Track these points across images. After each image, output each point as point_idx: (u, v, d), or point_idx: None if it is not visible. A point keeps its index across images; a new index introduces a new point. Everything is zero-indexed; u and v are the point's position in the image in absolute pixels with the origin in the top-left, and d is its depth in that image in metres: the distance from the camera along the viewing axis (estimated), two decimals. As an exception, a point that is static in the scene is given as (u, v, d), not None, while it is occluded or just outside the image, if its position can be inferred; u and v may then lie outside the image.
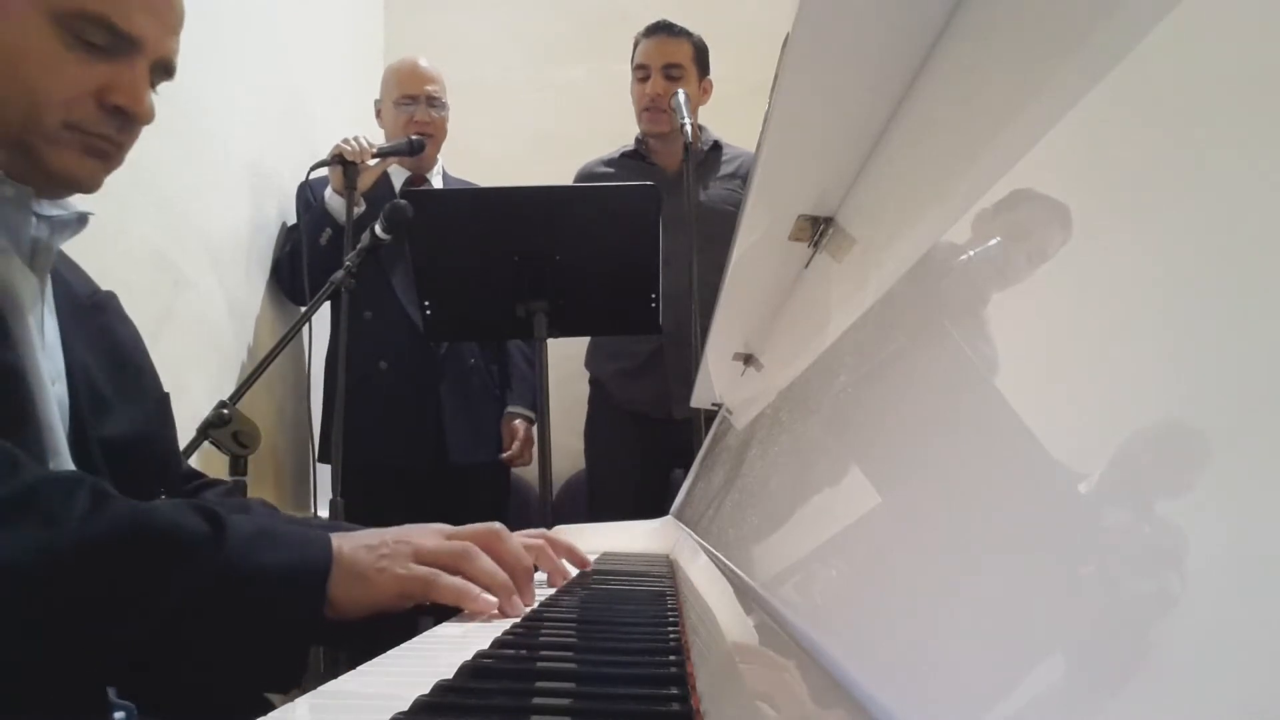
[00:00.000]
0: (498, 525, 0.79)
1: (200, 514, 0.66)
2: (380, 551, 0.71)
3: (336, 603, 0.68)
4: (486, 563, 0.74)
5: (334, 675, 0.53)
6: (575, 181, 2.51)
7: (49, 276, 0.82)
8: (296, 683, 0.66)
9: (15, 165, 0.78)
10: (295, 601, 0.66)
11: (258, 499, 1.09)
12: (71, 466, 0.77)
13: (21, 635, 0.60)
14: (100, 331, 0.88)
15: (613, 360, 2.48)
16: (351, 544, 0.70)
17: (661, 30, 2.38)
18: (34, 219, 0.80)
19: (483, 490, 2.40)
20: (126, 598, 0.62)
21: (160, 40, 0.82)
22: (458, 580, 0.71)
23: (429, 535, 0.74)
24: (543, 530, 0.97)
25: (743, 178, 2.42)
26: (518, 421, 2.46)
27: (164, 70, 0.84)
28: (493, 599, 0.71)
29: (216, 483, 1.05)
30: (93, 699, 0.72)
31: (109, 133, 0.81)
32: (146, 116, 0.82)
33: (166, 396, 0.95)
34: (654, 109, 2.36)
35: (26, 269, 0.79)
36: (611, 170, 2.48)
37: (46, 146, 0.78)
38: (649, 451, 2.43)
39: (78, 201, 0.85)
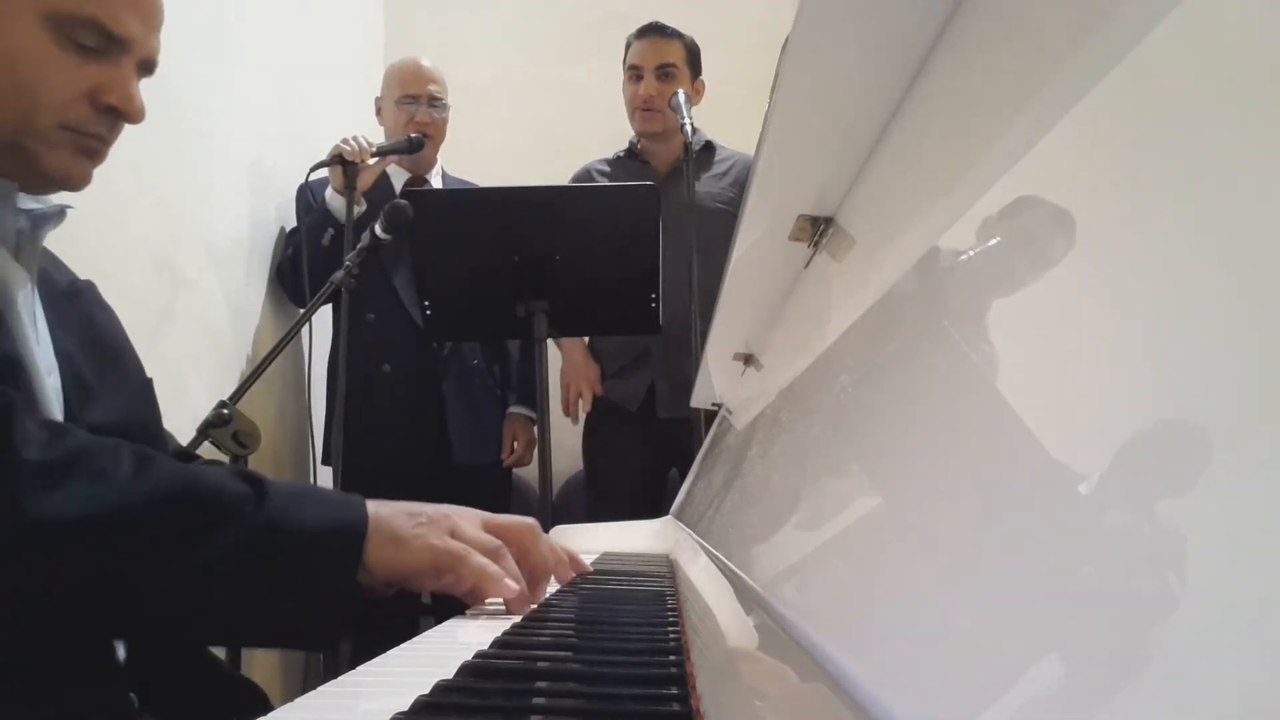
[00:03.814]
0: (532, 521, 0.82)
1: (241, 476, 0.69)
2: (419, 520, 0.73)
3: (371, 564, 0.70)
4: (512, 564, 0.76)
5: (334, 675, 0.53)
6: (572, 182, 2.51)
7: (36, 269, 0.83)
8: (335, 642, 0.68)
9: (6, 165, 0.79)
10: (333, 558, 0.68)
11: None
12: None
13: (72, 588, 0.63)
14: (81, 320, 0.89)
15: (603, 361, 2.48)
16: (391, 509, 0.73)
17: (653, 31, 2.41)
18: (16, 213, 0.80)
19: (485, 491, 2.40)
20: (172, 552, 0.64)
21: (145, 40, 0.83)
22: (486, 561, 0.73)
23: (468, 520, 0.77)
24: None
25: (734, 179, 2.43)
26: (519, 423, 2.47)
27: (146, 68, 0.85)
28: (514, 586, 0.74)
29: (213, 464, 1.05)
30: (112, 687, 0.73)
31: (101, 132, 0.82)
32: (138, 115, 0.83)
33: (149, 381, 0.96)
34: (647, 109, 2.38)
35: (15, 263, 0.80)
36: (607, 170, 2.51)
37: (41, 147, 0.79)
38: (644, 452, 2.44)
39: (56, 195, 0.86)
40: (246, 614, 0.67)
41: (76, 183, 0.83)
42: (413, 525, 0.72)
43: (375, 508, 0.72)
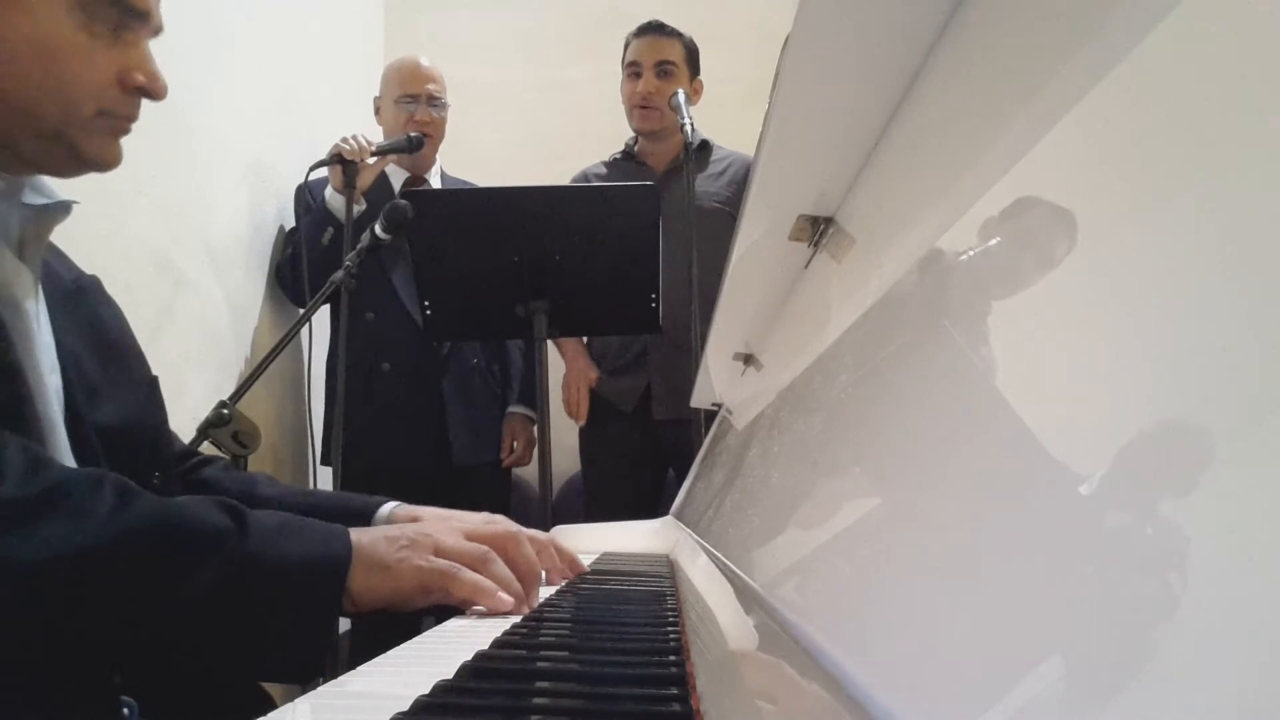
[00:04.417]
0: (515, 527, 0.81)
1: (223, 509, 0.68)
2: (400, 543, 0.72)
3: (356, 594, 0.69)
4: (502, 568, 0.75)
5: (334, 675, 0.53)
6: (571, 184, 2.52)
7: (39, 267, 0.82)
8: (317, 674, 0.67)
9: (44, 156, 0.79)
10: (314, 591, 0.67)
11: (262, 473, 1.10)
12: (71, 459, 0.78)
13: (51, 628, 0.62)
14: (86, 317, 0.88)
15: (600, 360, 2.49)
16: (371, 536, 0.72)
17: (653, 30, 2.42)
18: (21, 210, 0.80)
19: (485, 491, 2.40)
20: (153, 590, 0.63)
21: (156, 9, 0.84)
22: (477, 576, 0.73)
23: (449, 533, 0.76)
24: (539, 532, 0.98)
25: (730, 179, 2.43)
26: (519, 422, 2.47)
27: (154, 35, 0.86)
28: (508, 599, 0.73)
29: (214, 459, 1.06)
30: (102, 696, 0.73)
31: (131, 113, 0.83)
32: (163, 92, 0.84)
33: (155, 379, 0.95)
34: (645, 106, 2.39)
35: (18, 262, 0.79)
36: (604, 173, 2.52)
37: (82, 135, 0.79)
38: (642, 453, 2.44)
39: (59, 189, 0.86)
40: (226, 649, 0.66)
41: (109, 164, 0.84)
42: (395, 550, 0.71)
43: (356, 536, 0.71)
